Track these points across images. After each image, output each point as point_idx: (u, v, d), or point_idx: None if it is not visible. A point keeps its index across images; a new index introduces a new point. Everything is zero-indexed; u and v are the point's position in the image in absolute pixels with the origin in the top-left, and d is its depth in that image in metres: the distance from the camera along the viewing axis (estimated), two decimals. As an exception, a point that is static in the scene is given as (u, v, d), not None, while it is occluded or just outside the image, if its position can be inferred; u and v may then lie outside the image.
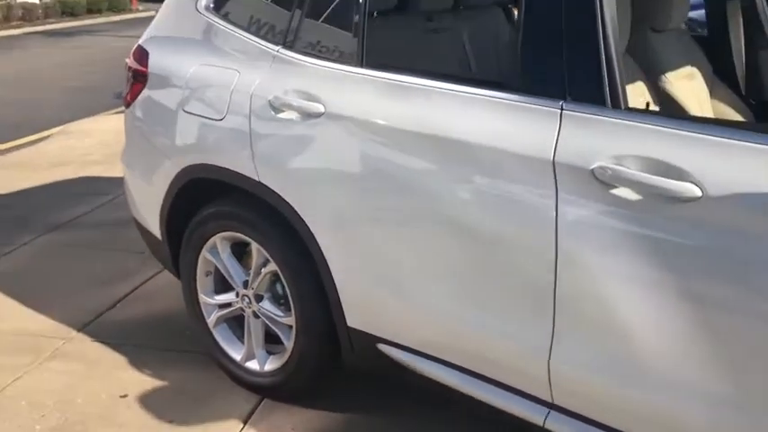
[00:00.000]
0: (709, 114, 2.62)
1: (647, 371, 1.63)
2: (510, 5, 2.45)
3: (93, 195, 4.83)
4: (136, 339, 2.99)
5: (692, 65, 2.67)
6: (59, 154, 6.06)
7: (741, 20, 2.81)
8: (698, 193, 1.46)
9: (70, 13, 21.08)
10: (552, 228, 1.66)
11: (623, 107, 1.63)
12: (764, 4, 2.80)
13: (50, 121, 7.31)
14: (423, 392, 2.22)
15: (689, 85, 2.64)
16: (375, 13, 2.14)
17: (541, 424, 1.85)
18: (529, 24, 1.76)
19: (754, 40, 2.80)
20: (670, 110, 2.38)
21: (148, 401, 2.59)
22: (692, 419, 1.60)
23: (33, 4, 20.48)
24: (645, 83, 2.25)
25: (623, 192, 1.55)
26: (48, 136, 6.79)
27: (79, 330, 3.09)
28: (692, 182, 1.47)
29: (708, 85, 2.72)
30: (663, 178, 1.50)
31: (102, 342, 2.99)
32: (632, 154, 1.55)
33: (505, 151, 1.74)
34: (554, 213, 1.66)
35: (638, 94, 2.18)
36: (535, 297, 1.74)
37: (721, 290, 1.49)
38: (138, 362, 2.83)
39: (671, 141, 1.52)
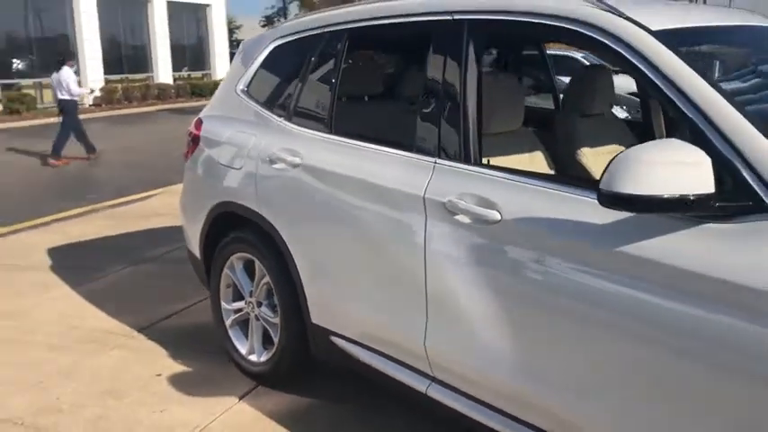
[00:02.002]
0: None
1: (486, 347, 2.29)
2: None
3: (175, 240, 5.85)
4: (177, 340, 3.87)
5: (617, 143, 3.33)
6: (159, 207, 7.26)
7: (661, 110, 3.47)
8: (498, 217, 2.17)
9: (198, 93, 23.57)
10: (422, 243, 2.40)
11: (472, 162, 2.37)
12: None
13: (161, 182, 8.60)
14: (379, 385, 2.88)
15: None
16: (339, 99, 2.99)
17: (424, 392, 2.53)
18: (423, 112, 2.54)
19: (672, 125, 3.45)
20: (578, 176, 3.05)
21: (175, 380, 3.43)
22: (510, 384, 2.24)
23: (167, 85, 23.08)
24: (544, 153, 2.95)
25: (461, 217, 2.28)
26: (154, 194, 8.05)
27: (139, 331, 4.01)
28: (496, 210, 2.18)
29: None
30: (481, 207, 2.22)
31: (153, 340, 3.89)
32: (468, 192, 2.28)
33: (400, 191, 2.50)
34: (423, 233, 2.39)
35: (535, 161, 2.89)
36: (414, 294, 2.46)
37: (518, 284, 2.16)
38: (174, 355, 3.69)
39: (488, 184, 2.25)
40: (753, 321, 1.64)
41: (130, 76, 22.99)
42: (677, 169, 1.70)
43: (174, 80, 24.34)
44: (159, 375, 3.48)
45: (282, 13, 54.51)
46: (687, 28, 2.19)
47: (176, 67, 25.12)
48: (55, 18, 20.75)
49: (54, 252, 5.75)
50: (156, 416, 3.10)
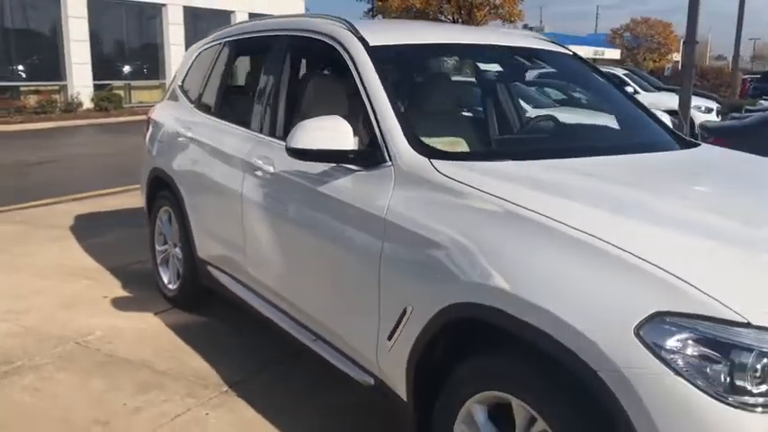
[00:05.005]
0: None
1: (268, 261, 3.26)
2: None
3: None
4: (131, 277, 5.03)
5: None
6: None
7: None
8: (272, 170, 3.15)
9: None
10: (240, 191, 3.40)
11: (276, 137, 3.35)
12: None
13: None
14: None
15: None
16: (221, 91, 4.05)
17: (248, 302, 3.52)
18: (255, 100, 3.55)
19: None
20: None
21: (115, 300, 4.56)
22: (287, 287, 3.20)
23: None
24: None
25: (258, 172, 3.27)
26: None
27: (110, 271, 5.19)
28: (272, 165, 3.16)
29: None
30: (266, 164, 3.21)
31: (115, 276, 5.07)
32: (263, 155, 3.27)
33: (234, 155, 3.52)
34: (242, 184, 3.40)
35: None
36: (239, 228, 3.46)
37: (283, 216, 3.13)
38: (124, 285, 4.85)
39: (274, 149, 3.21)
40: (362, 230, 2.56)
41: (211, 82, 24.88)
42: (330, 133, 2.63)
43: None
44: (105, 297, 4.62)
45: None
46: (402, 44, 3.11)
47: (255, 74, 26.88)
48: (147, 28, 22.87)
49: (80, 217, 7.07)
50: (88, 320, 4.23)
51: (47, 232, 6.39)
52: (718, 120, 15.40)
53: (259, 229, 3.28)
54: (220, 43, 4.20)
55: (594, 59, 51.82)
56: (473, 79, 3.46)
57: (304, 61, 3.51)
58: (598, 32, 72.56)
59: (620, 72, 16.88)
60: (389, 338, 2.45)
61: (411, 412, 2.42)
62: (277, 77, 3.45)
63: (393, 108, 2.71)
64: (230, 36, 4.11)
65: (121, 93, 21.26)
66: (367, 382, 2.67)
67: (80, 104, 19.55)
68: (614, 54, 56.62)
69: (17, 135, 15.40)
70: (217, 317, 4.29)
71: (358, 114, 2.80)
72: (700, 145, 3.29)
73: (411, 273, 2.32)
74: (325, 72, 3.46)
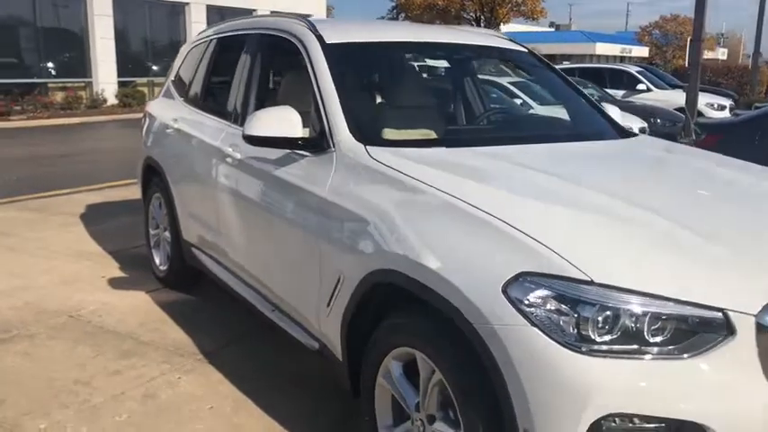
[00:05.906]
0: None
1: (237, 241, 3.57)
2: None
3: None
4: (129, 259, 5.38)
5: None
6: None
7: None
8: (240, 156, 3.45)
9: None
10: (215, 177, 3.71)
11: (238, 125, 3.64)
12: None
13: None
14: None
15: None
16: (205, 85, 4.36)
17: (223, 278, 3.83)
18: (229, 94, 3.86)
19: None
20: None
21: (111, 280, 4.91)
22: (252, 264, 3.51)
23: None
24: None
25: (228, 158, 3.58)
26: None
27: (111, 254, 5.55)
28: (238, 152, 3.47)
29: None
30: (234, 151, 3.51)
31: (115, 258, 5.42)
32: (233, 143, 3.57)
33: (210, 144, 3.83)
34: (216, 170, 3.71)
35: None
36: (214, 211, 3.76)
37: (249, 197, 3.43)
38: (122, 267, 5.20)
39: (238, 136, 3.51)
40: (307, 208, 2.86)
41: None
42: (281, 122, 2.92)
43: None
44: (103, 277, 4.97)
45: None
46: (358, 42, 3.39)
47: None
48: (170, 26, 23.41)
49: (91, 206, 7.46)
50: (84, 295, 4.58)
51: (59, 219, 6.78)
52: (730, 117, 15.42)
53: (229, 210, 3.58)
54: (207, 40, 4.52)
55: (621, 57, 51.50)
56: (426, 75, 3.73)
57: (270, 57, 3.79)
58: (628, 30, 72.08)
59: (633, 69, 16.95)
60: (328, 305, 2.74)
61: (345, 370, 2.70)
62: (248, 72, 3.75)
63: (339, 99, 2.99)
64: (216, 33, 4.44)
65: (145, 89, 21.79)
66: (312, 347, 2.96)
67: (104, 101, 20.11)
68: (642, 52, 56.15)
69: (44, 130, 15.96)
70: (202, 295, 4.62)
71: (312, 105, 3.09)
72: (637, 135, 3.52)
73: (343, 245, 2.61)
74: (288, 67, 3.75)
